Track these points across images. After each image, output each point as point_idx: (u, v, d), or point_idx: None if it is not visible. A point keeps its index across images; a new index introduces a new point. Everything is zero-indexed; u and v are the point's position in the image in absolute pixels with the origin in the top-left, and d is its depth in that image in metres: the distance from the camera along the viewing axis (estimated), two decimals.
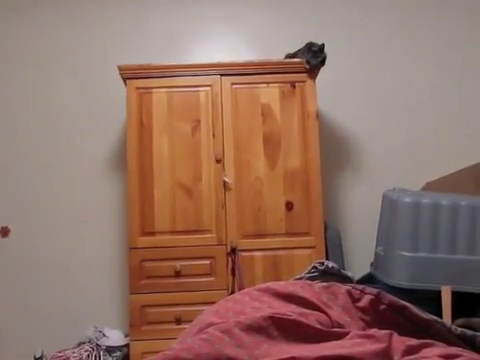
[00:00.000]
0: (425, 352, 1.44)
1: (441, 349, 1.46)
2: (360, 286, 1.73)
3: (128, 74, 3.48)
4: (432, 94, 4.15)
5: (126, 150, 3.46)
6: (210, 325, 1.52)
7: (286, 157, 3.45)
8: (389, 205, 3.13)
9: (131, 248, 3.38)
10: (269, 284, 1.77)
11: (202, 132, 3.46)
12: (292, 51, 3.61)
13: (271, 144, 3.46)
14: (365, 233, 3.73)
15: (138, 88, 3.48)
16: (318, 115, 3.52)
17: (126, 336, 3.55)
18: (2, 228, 3.98)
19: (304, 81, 3.52)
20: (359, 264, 3.74)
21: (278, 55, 3.66)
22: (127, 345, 3.45)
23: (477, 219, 2.94)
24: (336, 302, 1.67)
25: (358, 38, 4.17)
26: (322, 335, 1.48)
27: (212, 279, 3.35)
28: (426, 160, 4.03)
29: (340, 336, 1.49)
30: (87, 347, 3.47)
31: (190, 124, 3.46)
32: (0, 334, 3.90)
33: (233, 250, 3.35)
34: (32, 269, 3.95)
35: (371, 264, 3.35)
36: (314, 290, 1.71)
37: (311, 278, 2.01)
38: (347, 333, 1.50)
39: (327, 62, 3.52)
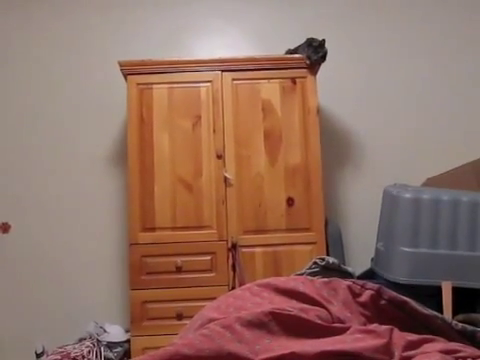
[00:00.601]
0: (425, 347, 1.45)
1: (441, 344, 1.47)
2: (360, 281, 1.74)
3: (129, 70, 3.48)
4: (433, 90, 4.14)
5: (127, 146, 3.46)
6: (211, 321, 1.52)
7: (287, 153, 3.45)
8: (390, 201, 3.13)
9: (132, 244, 3.38)
10: (270, 280, 1.77)
11: (203, 128, 3.46)
12: (293, 47, 3.61)
13: (272, 140, 3.46)
14: (366, 229, 3.72)
15: (139, 84, 3.47)
16: (319, 111, 3.52)
17: (127, 332, 3.55)
18: (2, 224, 3.98)
19: (305, 77, 3.51)
20: (360, 260, 3.74)
21: (279, 51, 3.65)
22: (128, 341, 3.45)
23: (478, 215, 2.94)
24: (337, 297, 1.67)
25: (359, 34, 4.16)
26: (323, 330, 1.49)
27: (213, 275, 3.35)
28: (427, 156, 4.03)
29: (341, 331, 1.50)
30: (88, 343, 3.47)
31: (191, 120, 3.46)
32: (1, 330, 3.91)
33: (234, 246, 3.35)
34: (33, 265, 3.95)
35: (372, 260, 3.35)
36: (315, 286, 1.72)
37: (312, 274, 2.01)
38: (348, 328, 1.51)
39: (328, 58, 3.51)
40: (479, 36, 4.21)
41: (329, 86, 3.91)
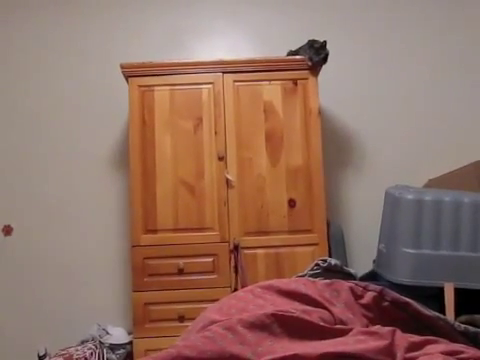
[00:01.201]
0: (428, 349, 1.44)
1: (444, 346, 1.47)
2: (363, 283, 1.74)
3: (130, 72, 3.48)
4: (434, 91, 4.14)
5: (129, 148, 3.47)
6: (213, 322, 1.52)
7: (288, 154, 3.45)
8: (392, 202, 3.13)
9: (134, 246, 3.38)
10: (272, 281, 1.77)
11: (204, 130, 3.46)
12: (294, 48, 3.61)
13: (273, 141, 3.46)
14: (368, 230, 3.72)
15: (140, 86, 3.48)
16: (320, 112, 3.52)
17: (129, 334, 3.56)
18: (5, 227, 3.98)
19: (306, 78, 3.51)
20: (362, 261, 3.74)
21: (280, 52, 3.65)
22: (130, 343, 3.45)
23: None
24: (339, 299, 1.67)
25: (360, 35, 4.16)
26: (325, 332, 1.49)
27: (215, 277, 3.35)
28: (428, 157, 4.02)
29: (343, 333, 1.49)
30: (90, 345, 3.47)
31: (192, 122, 3.47)
32: (3, 332, 3.91)
33: (236, 247, 3.35)
34: (35, 267, 3.95)
35: (374, 261, 3.35)
36: (317, 287, 1.72)
37: (314, 275, 2.01)
38: (350, 330, 1.51)
39: (329, 59, 3.51)
40: None
41: (331, 87, 3.92)
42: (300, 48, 3.56)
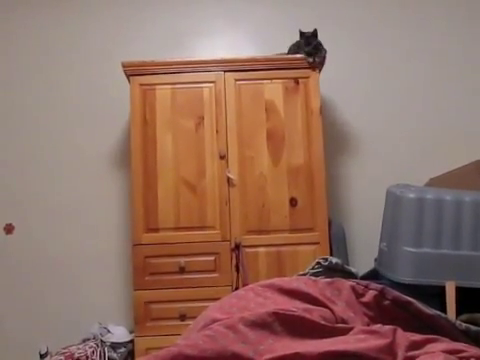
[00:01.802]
0: (429, 347, 1.44)
1: (445, 344, 1.47)
2: (364, 282, 1.74)
3: (132, 71, 3.48)
4: (436, 89, 4.13)
5: (130, 147, 3.47)
6: (214, 321, 1.52)
7: (290, 153, 3.45)
8: (393, 201, 3.13)
9: (135, 244, 3.39)
10: (273, 280, 1.77)
11: (206, 128, 3.46)
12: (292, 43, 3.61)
13: (275, 140, 3.46)
14: (369, 229, 3.72)
15: (142, 85, 3.48)
16: (322, 111, 3.51)
17: (131, 332, 3.56)
18: (6, 225, 3.99)
19: (307, 77, 3.51)
20: (363, 260, 3.74)
21: (281, 51, 3.65)
22: (132, 341, 3.46)
23: None
24: (340, 298, 1.67)
25: (362, 33, 4.16)
26: (326, 331, 1.49)
27: (216, 275, 3.35)
28: (430, 156, 4.02)
29: (344, 332, 1.49)
30: (92, 343, 3.47)
31: (194, 120, 3.47)
32: (5, 330, 3.92)
33: (237, 246, 3.35)
34: (36, 266, 3.96)
35: (375, 260, 3.35)
36: (318, 286, 1.72)
37: (315, 274, 2.01)
38: (351, 329, 1.51)
39: (330, 58, 3.52)
40: None
41: (332, 86, 3.92)
42: (298, 46, 3.56)
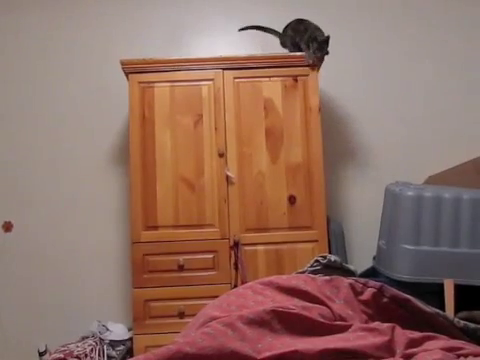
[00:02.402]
0: (427, 345, 1.45)
1: (443, 342, 1.47)
2: (362, 279, 1.74)
3: (130, 68, 3.48)
4: (435, 87, 4.14)
5: (129, 144, 3.47)
6: (213, 319, 1.53)
7: (288, 151, 3.45)
8: (392, 199, 3.13)
9: (134, 242, 3.38)
10: (272, 278, 1.78)
11: (204, 126, 3.46)
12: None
13: (273, 138, 3.46)
14: (368, 227, 3.73)
15: (140, 82, 3.48)
16: (320, 109, 3.51)
17: (129, 330, 3.56)
18: (5, 223, 3.99)
19: (306, 75, 3.51)
20: (362, 258, 3.75)
21: (280, 49, 3.65)
22: (130, 339, 3.46)
23: (479, 212, 2.95)
24: (338, 295, 1.68)
25: (361, 31, 4.15)
26: (325, 328, 1.49)
27: (215, 273, 3.35)
28: (428, 154, 4.03)
29: (343, 329, 1.50)
30: (91, 341, 3.47)
31: (192, 118, 3.46)
32: (4, 329, 3.92)
33: (236, 244, 3.35)
34: (35, 264, 3.95)
35: (374, 258, 3.35)
36: (317, 284, 1.72)
37: (313, 272, 2.01)
38: (349, 326, 1.51)
39: (330, 55, 3.52)
40: None
41: (331, 84, 3.92)
42: (300, 37, 3.55)
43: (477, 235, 2.93)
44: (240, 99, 3.48)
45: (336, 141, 4.05)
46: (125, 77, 3.55)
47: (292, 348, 1.35)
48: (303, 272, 2.04)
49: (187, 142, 3.44)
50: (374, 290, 1.67)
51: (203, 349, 1.33)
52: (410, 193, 3.01)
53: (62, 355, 3.33)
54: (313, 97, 3.49)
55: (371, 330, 1.47)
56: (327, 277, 1.77)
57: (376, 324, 1.52)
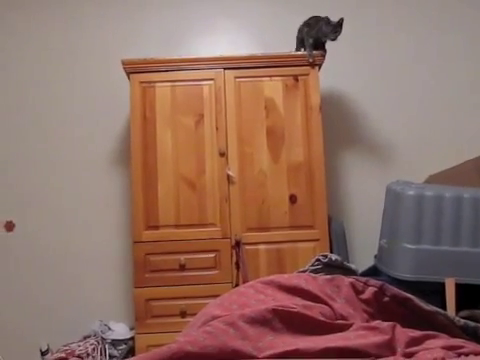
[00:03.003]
0: (428, 343, 1.45)
1: (444, 340, 1.48)
2: (363, 278, 1.74)
3: (132, 68, 3.48)
4: (435, 87, 4.14)
5: (130, 144, 3.47)
6: (214, 318, 1.53)
7: (290, 150, 3.46)
8: (393, 198, 3.14)
9: (135, 242, 3.39)
10: (273, 277, 1.78)
11: (205, 126, 3.46)
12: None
13: (274, 137, 3.47)
14: (369, 226, 3.73)
15: (142, 82, 3.48)
16: (321, 108, 3.52)
17: (131, 329, 3.57)
18: (7, 222, 4.00)
19: (307, 74, 3.52)
20: (363, 257, 3.75)
21: (280, 48, 3.65)
22: (132, 338, 3.47)
23: None
24: (340, 294, 1.68)
25: (362, 30, 4.15)
26: (326, 327, 1.49)
27: (216, 272, 3.36)
28: (429, 153, 4.03)
29: (344, 328, 1.50)
30: (92, 341, 3.48)
31: (193, 118, 3.47)
32: (6, 328, 3.92)
33: (237, 243, 3.35)
34: (37, 263, 3.96)
35: (375, 256, 3.36)
36: (318, 283, 1.72)
37: (315, 271, 2.02)
38: (351, 325, 1.52)
39: (330, 55, 3.52)
40: None
41: (332, 83, 3.93)
42: (310, 22, 3.57)
43: (478, 234, 2.94)
44: (241, 98, 3.48)
45: (337, 140, 4.05)
46: (126, 77, 3.55)
47: (293, 347, 1.35)
48: (304, 271, 2.04)
49: (188, 142, 3.44)
50: (375, 289, 1.67)
51: (204, 348, 1.33)
52: (411, 192, 3.01)
53: (64, 354, 3.34)
54: (314, 96, 3.50)
55: (372, 329, 1.47)
56: (328, 276, 1.77)
57: (377, 323, 1.52)
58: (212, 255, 3.37)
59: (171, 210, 3.40)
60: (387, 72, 4.15)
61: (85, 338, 3.56)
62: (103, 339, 3.51)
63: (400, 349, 1.41)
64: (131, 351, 3.48)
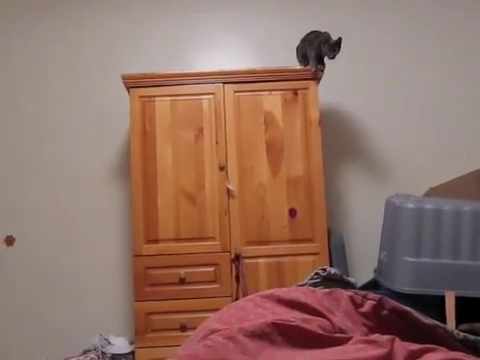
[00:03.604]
0: (427, 357, 1.45)
1: (443, 354, 1.47)
2: (362, 292, 1.74)
3: (131, 83, 3.50)
4: (435, 100, 4.15)
5: (130, 158, 3.48)
6: (214, 332, 1.53)
7: (289, 164, 3.47)
8: (392, 211, 3.14)
9: (135, 255, 3.39)
10: (272, 290, 1.78)
11: (205, 140, 3.47)
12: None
13: (274, 151, 3.48)
14: (368, 239, 3.73)
15: (141, 97, 3.50)
16: (320, 122, 3.53)
17: (131, 343, 3.56)
18: (7, 237, 4.00)
19: (306, 88, 3.53)
20: (363, 270, 3.75)
21: (280, 62, 3.67)
22: (132, 352, 3.46)
23: None
24: (338, 308, 1.68)
25: (360, 45, 4.17)
26: (325, 341, 1.49)
27: (216, 286, 3.36)
28: (429, 166, 4.04)
29: (343, 341, 1.50)
30: (92, 355, 3.47)
31: (193, 132, 3.48)
32: (6, 342, 3.92)
33: (237, 257, 3.35)
34: (37, 278, 3.96)
35: (375, 270, 3.36)
36: (317, 296, 1.72)
37: (314, 284, 2.01)
38: (349, 338, 1.51)
39: (329, 68, 3.54)
40: None
41: (331, 97, 3.94)
42: (308, 39, 3.59)
43: (478, 247, 2.94)
44: (240, 112, 3.50)
45: (336, 154, 4.06)
46: (126, 91, 3.57)
47: None
48: (303, 285, 2.04)
49: (188, 155, 3.45)
50: (374, 302, 1.67)
51: None
52: (411, 205, 3.02)
53: None
54: (313, 110, 3.51)
55: (371, 342, 1.47)
56: (327, 289, 1.77)
57: (376, 336, 1.52)
58: (212, 269, 3.37)
59: (171, 224, 3.41)
60: (386, 86, 4.17)
61: (85, 352, 3.55)
62: (103, 353, 3.50)
63: None
64: None
